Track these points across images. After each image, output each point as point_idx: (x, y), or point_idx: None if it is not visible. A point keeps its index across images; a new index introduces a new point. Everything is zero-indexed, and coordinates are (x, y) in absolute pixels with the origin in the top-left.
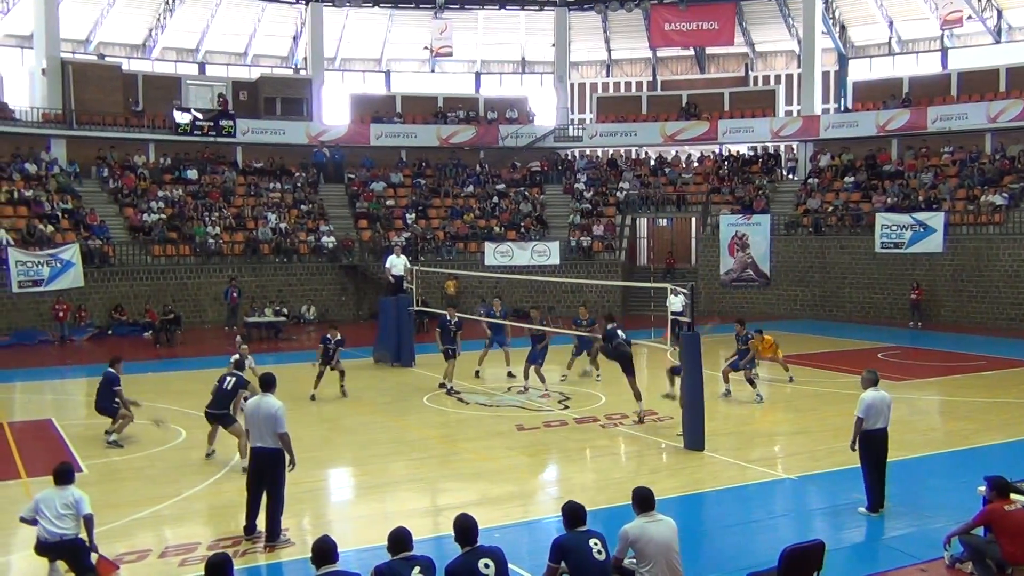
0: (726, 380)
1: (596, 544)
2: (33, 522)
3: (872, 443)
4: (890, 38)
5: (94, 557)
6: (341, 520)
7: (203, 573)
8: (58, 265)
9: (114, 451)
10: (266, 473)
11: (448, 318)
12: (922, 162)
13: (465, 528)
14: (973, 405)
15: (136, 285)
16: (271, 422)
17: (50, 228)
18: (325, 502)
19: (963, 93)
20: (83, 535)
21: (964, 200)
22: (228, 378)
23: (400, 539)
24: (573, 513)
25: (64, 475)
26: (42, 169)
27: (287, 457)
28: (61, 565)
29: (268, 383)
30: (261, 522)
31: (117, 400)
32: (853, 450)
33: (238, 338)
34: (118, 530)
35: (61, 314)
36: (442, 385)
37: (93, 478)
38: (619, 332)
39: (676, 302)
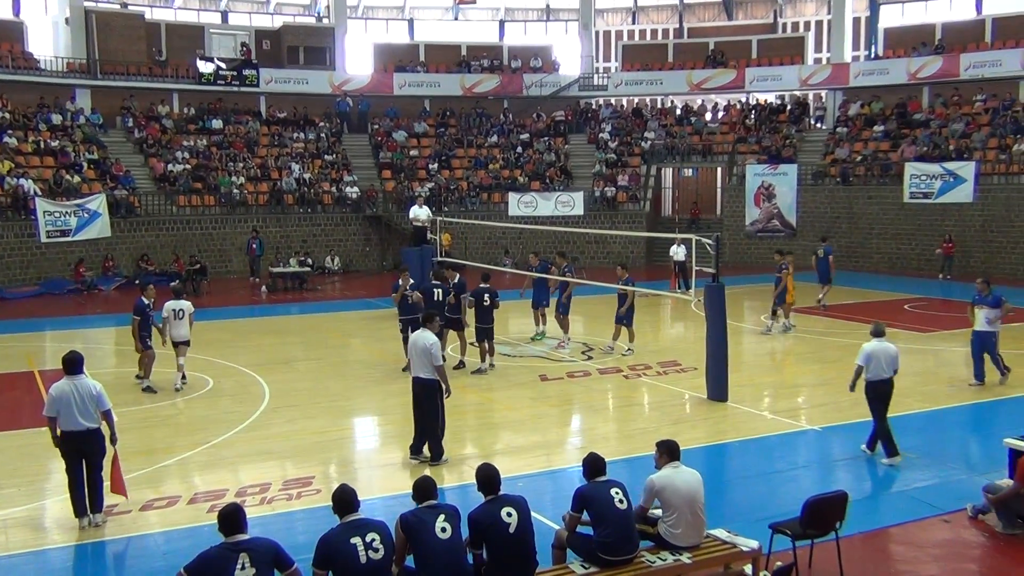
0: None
1: (617, 493)
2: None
3: (878, 392)
4: None
5: (110, 452)
6: (367, 468)
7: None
8: (85, 215)
9: (145, 398)
10: (422, 400)
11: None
12: (954, 110)
13: (488, 477)
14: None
15: (162, 235)
16: (426, 355)
17: (76, 178)
18: (351, 450)
19: (997, 39)
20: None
21: (996, 149)
22: (436, 291)
23: (425, 487)
24: (593, 464)
25: (73, 363)
26: (67, 119)
27: (443, 386)
28: (98, 517)
29: (427, 319)
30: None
31: (143, 332)
32: (851, 391)
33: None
34: (148, 476)
35: (82, 269)
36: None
37: (123, 425)
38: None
39: (679, 251)
